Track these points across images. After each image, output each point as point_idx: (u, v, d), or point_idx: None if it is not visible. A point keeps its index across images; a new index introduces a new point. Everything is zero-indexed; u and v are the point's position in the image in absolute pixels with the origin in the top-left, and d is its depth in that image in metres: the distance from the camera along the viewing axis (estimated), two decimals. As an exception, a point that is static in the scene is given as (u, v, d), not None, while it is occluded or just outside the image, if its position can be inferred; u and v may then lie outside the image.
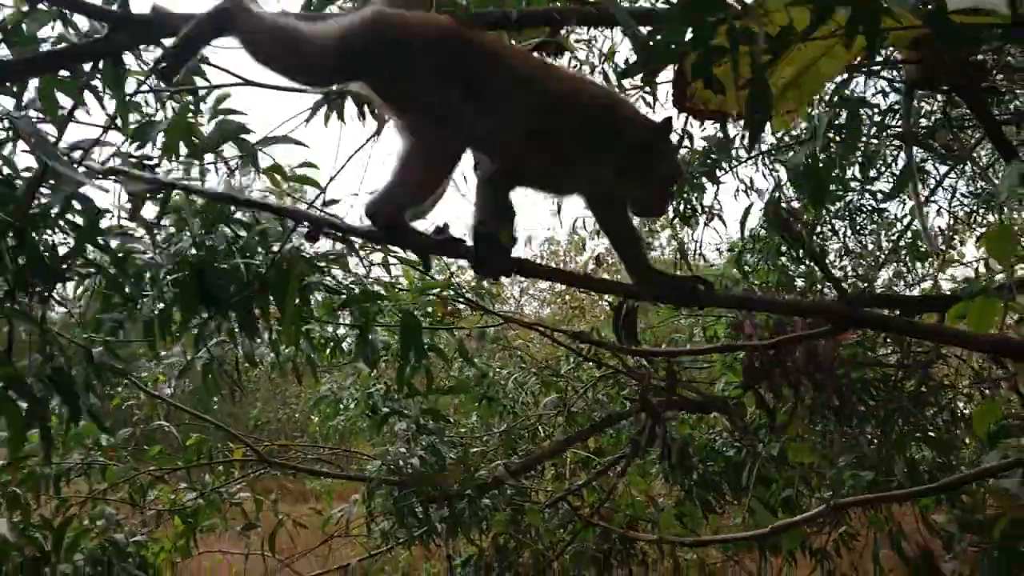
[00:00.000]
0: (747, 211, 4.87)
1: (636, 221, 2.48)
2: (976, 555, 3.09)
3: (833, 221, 6.64)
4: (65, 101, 2.61)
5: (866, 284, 6.27)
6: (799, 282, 6.17)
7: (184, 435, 4.94)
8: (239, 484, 5.08)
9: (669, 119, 2.32)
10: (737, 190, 6.12)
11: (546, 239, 15.73)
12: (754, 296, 2.34)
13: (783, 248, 6.15)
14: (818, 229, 6.40)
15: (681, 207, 6.13)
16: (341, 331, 4.47)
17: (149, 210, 3.08)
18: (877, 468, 4.46)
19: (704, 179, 5.90)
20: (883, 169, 6.02)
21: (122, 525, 4.29)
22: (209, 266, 3.04)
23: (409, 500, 4.85)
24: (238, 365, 4.02)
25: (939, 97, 5.40)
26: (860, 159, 5.40)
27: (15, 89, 2.58)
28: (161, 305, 3.14)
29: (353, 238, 3.16)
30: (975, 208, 6.62)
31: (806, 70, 1.32)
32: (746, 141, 4.99)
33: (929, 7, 1.31)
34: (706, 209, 6.45)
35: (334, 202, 3.43)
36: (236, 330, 3.48)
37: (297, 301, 3.17)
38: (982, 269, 4.90)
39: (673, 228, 7.75)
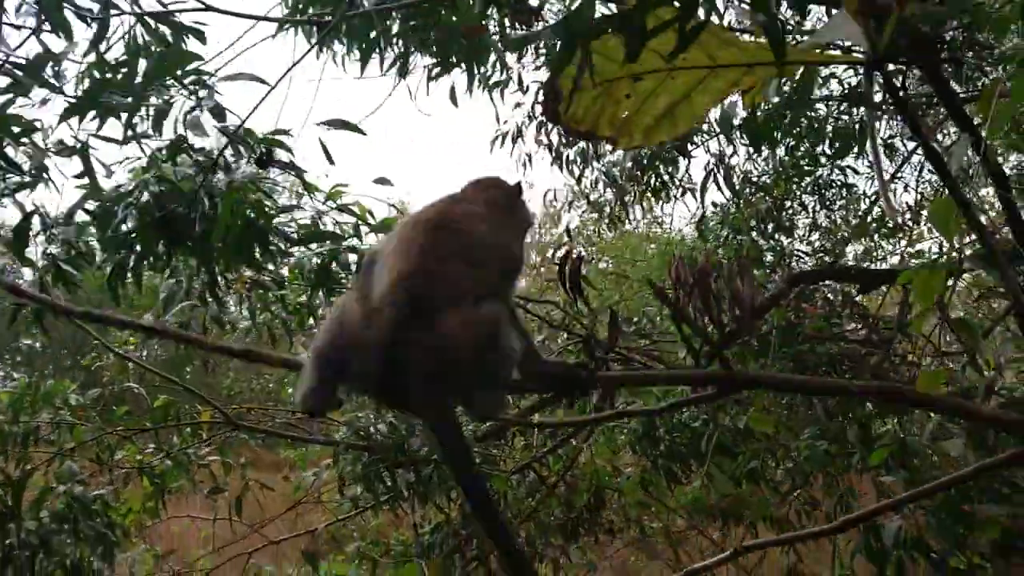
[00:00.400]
0: (706, 178, 4.93)
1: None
2: (923, 515, 3.17)
3: (803, 196, 6.71)
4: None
5: (833, 259, 6.35)
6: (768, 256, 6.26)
7: (153, 398, 4.95)
8: (208, 447, 5.09)
9: (519, 183, 2.51)
10: (708, 164, 6.16)
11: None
12: (639, 371, 2.43)
13: (752, 223, 6.23)
14: (787, 203, 6.47)
15: (653, 181, 6.19)
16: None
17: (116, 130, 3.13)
18: (837, 438, 4.55)
19: (676, 152, 5.96)
20: (852, 144, 6.07)
21: (86, 483, 4.31)
22: (169, 195, 3.07)
23: (376, 466, 4.89)
24: (205, 327, 4.04)
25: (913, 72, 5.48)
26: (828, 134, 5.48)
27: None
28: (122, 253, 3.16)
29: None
30: (942, 185, 6.68)
31: (681, 101, 1.36)
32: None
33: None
34: (679, 183, 6.51)
35: (285, 132, 3.44)
36: (204, 286, 3.51)
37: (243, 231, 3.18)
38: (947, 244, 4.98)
39: (647, 202, 7.80)
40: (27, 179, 3.04)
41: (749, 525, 5.51)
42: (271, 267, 4.21)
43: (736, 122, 5.08)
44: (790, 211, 6.56)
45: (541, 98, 1.54)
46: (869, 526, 3.28)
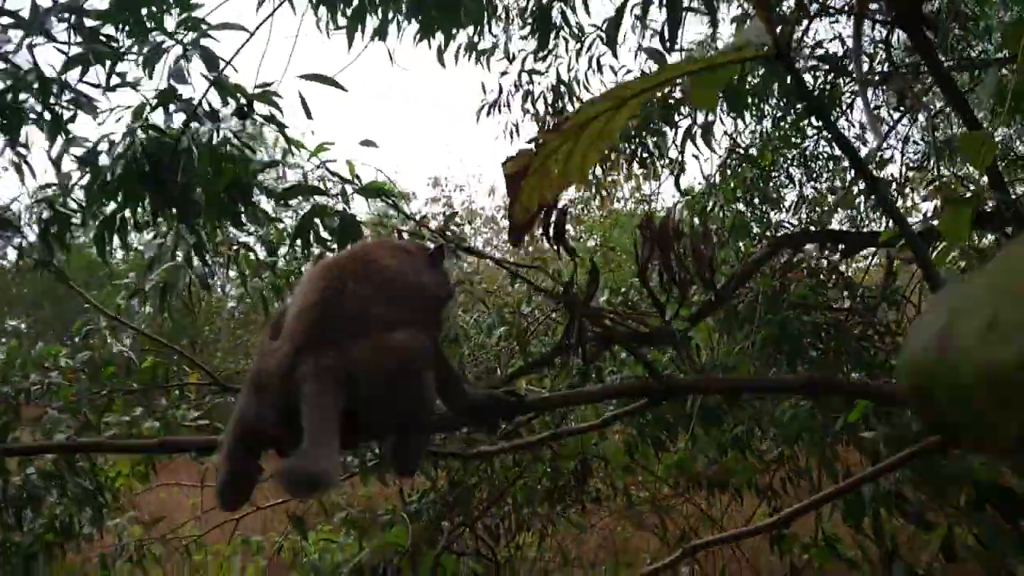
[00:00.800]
0: (687, 133, 4.94)
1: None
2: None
3: (790, 169, 6.74)
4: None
5: (819, 228, 6.38)
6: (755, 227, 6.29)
7: (142, 360, 4.93)
8: (197, 412, 5.08)
9: (442, 246, 2.39)
10: (693, 131, 6.15)
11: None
12: (569, 392, 2.40)
13: (739, 194, 6.26)
14: (773, 175, 6.50)
15: (639, 151, 6.19)
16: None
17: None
18: (821, 403, 4.59)
19: (663, 123, 5.96)
20: (838, 115, 6.11)
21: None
22: (156, 144, 3.08)
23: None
24: (191, 289, 4.06)
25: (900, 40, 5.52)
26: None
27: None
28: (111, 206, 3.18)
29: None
30: (927, 154, 6.73)
31: (600, 133, 1.42)
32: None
33: None
34: (665, 154, 6.51)
35: (267, 84, 3.46)
36: (191, 247, 3.53)
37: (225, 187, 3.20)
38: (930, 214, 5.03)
39: (635, 179, 7.81)
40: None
41: (735, 494, 5.56)
42: (257, 229, 4.22)
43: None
44: (776, 183, 6.60)
45: (507, 229, 1.53)
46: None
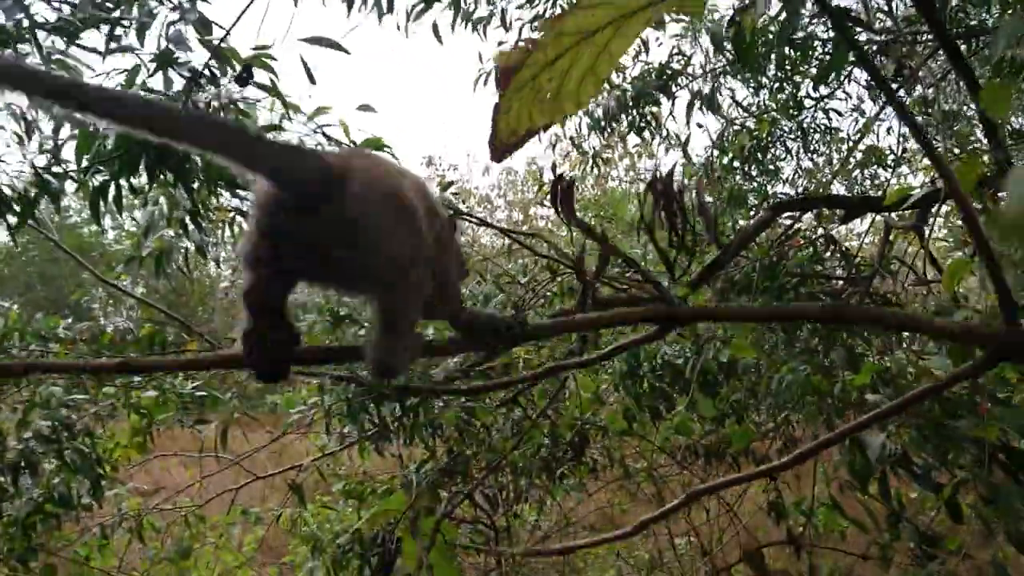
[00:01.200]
0: (690, 104, 4.95)
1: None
2: (907, 431, 3.21)
3: (787, 142, 6.73)
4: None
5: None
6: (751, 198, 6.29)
7: (140, 327, 4.91)
8: (195, 382, 5.06)
9: (453, 220, 2.31)
10: (691, 104, 6.15)
11: (504, 170, 15.96)
12: (575, 319, 2.33)
13: (735, 165, 6.26)
14: (771, 147, 6.49)
15: (636, 121, 6.17)
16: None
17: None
18: (821, 369, 4.58)
19: (659, 93, 5.95)
20: (835, 86, 6.11)
21: (69, 407, 4.28)
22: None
23: (360, 398, 4.89)
24: (187, 258, 4.03)
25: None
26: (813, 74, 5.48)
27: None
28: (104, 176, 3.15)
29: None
30: (924, 126, 6.72)
31: (600, 55, 1.35)
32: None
33: None
34: (664, 128, 6.50)
35: (266, 47, 3.43)
36: (187, 212, 3.50)
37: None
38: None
39: (631, 158, 7.77)
40: None
41: (732, 463, 5.58)
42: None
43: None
44: (774, 156, 6.59)
45: (488, 145, 1.44)
46: (853, 441, 3.31)
